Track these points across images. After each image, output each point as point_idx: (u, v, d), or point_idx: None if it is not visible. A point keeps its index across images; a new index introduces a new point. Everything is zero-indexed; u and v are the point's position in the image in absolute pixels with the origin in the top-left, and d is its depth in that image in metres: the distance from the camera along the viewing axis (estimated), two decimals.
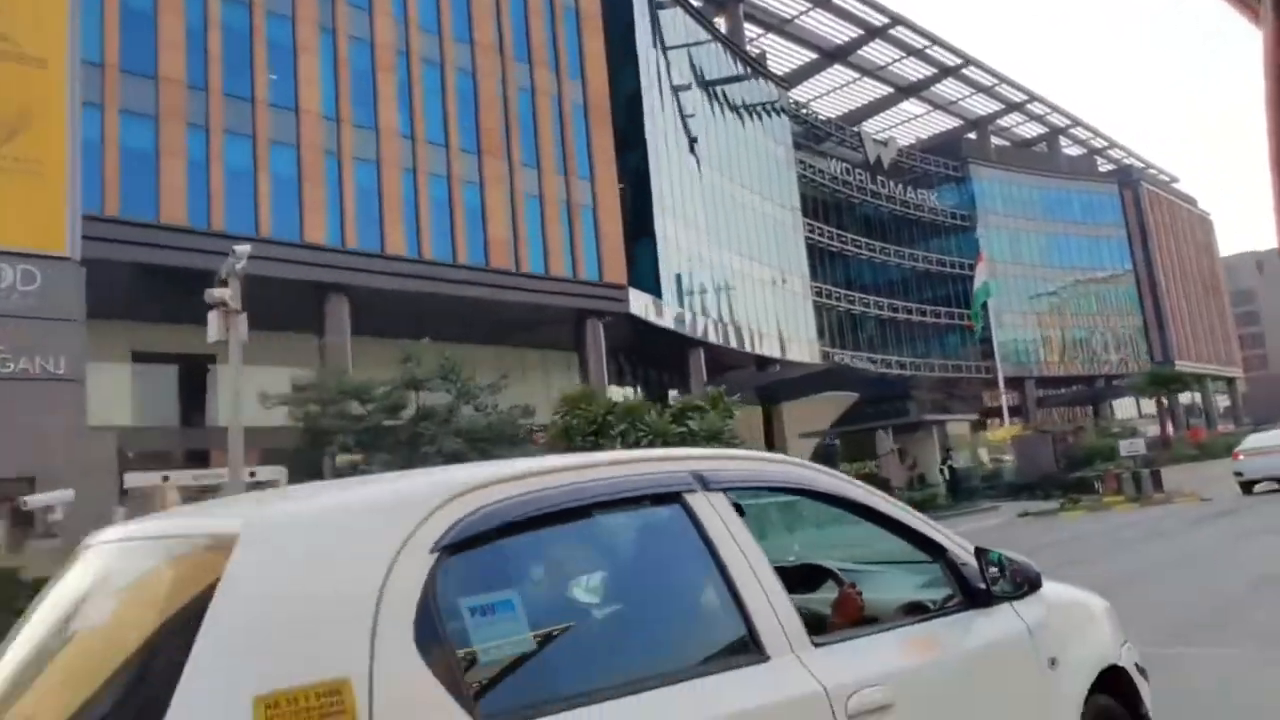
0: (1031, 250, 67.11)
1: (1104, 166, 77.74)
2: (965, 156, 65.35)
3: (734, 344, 40.08)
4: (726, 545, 2.19)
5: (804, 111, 55.92)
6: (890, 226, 62.38)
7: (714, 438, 13.29)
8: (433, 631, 1.65)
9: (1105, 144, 76.94)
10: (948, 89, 63.12)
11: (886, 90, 61.66)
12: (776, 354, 43.13)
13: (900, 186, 60.82)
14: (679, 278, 36.12)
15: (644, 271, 34.87)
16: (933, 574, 2.88)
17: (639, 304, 32.56)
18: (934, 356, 62.88)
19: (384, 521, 1.76)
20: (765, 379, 38.84)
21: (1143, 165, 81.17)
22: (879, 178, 60.02)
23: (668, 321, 34.36)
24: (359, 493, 2.11)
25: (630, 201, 35.55)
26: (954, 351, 63.47)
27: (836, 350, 53.11)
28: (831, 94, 60.87)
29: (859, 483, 2.88)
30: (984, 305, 52.55)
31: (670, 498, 2.21)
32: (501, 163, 28.86)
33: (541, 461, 2.16)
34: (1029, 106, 68.20)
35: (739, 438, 16.49)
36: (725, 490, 2.32)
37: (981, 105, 66.82)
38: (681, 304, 35.85)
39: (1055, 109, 68.96)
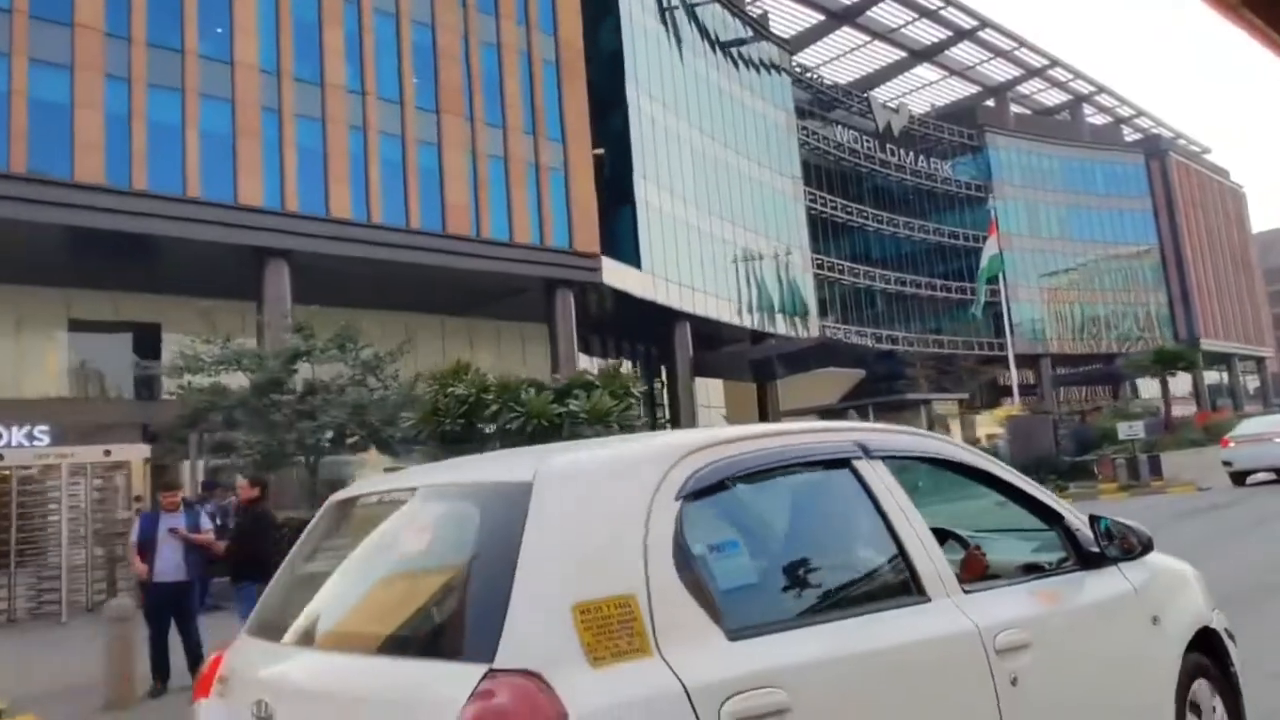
0: (1050, 223, 64.45)
1: (1130, 136, 74.55)
2: (981, 124, 62.66)
3: (724, 318, 38.19)
4: (889, 503, 2.60)
5: (808, 75, 53.51)
6: (901, 197, 59.97)
7: (599, 420, 11.52)
8: (685, 561, 2.08)
9: (1132, 112, 73.72)
10: (964, 53, 60.42)
11: (899, 55, 59.07)
12: (771, 329, 41.15)
13: (912, 156, 58.34)
14: (661, 247, 34.23)
15: (623, 240, 33.06)
16: (1043, 540, 3.27)
17: (614, 274, 30.76)
18: (946, 333, 60.62)
19: (641, 471, 2.21)
20: (756, 354, 36.97)
21: (1172, 135, 77.86)
22: (889, 146, 57.61)
23: (646, 292, 32.54)
24: (618, 449, 2.64)
25: (610, 166, 33.73)
26: (966, 328, 61.07)
27: (839, 325, 51.05)
28: (841, 59, 58.35)
29: (990, 456, 3.36)
30: (995, 279, 50.26)
31: (841, 463, 2.62)
32: (462, 122, 27.06)
33: (747, 428, 2.64)
34: (1050, 72, 65.26)
35: (639, 420, 14.69)
36: (884, 458, 2.72)
37: (1000, 71, 64.01)
38: (664, 275, 33.98)
39: (1078, 75, 65.96)
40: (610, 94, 33.77)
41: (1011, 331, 61.48)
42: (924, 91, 65.34)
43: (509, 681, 1.78)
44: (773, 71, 45.93)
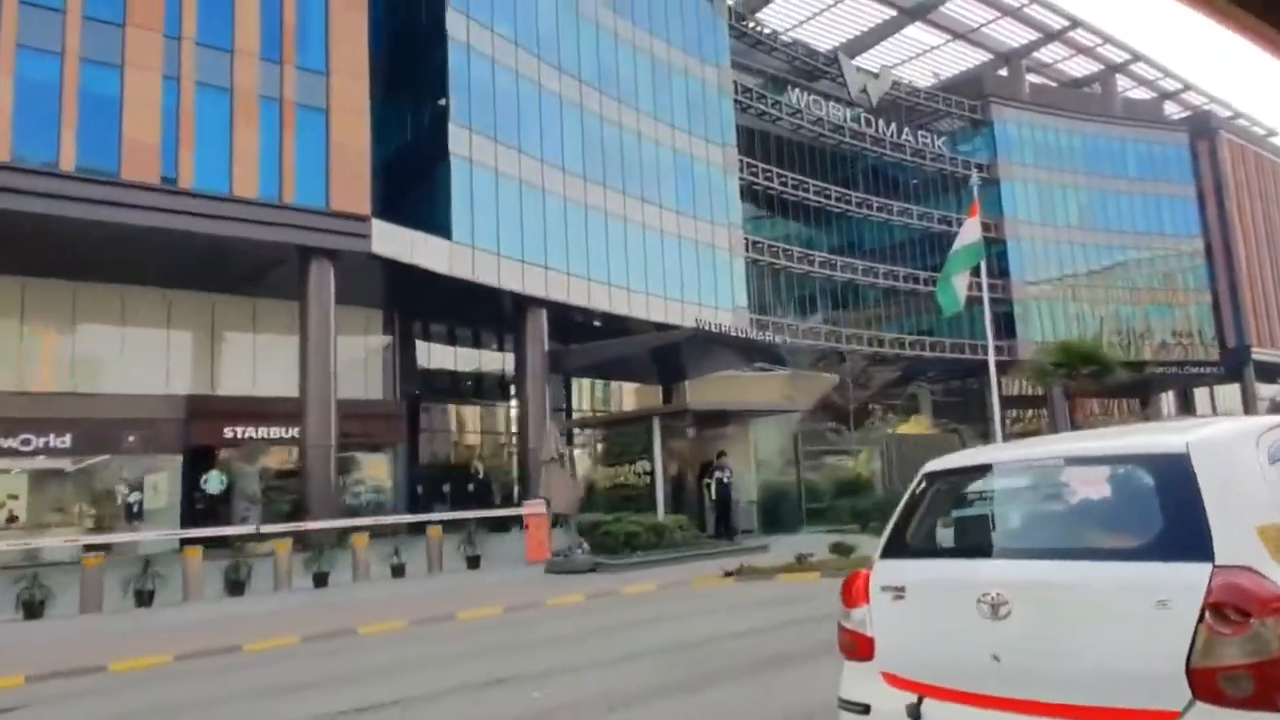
0: (1068, 209, 55.78)
1: (1178, 114, 65.00)
2: (987, 95, 54.37)
3: (602, 305, 31.50)
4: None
5: (757, 29, 46.14)
6: (881, 176, 52.26)
7: None
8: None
9: (1177, 86, 64.23)
10: (966, 12, 52.32)
11: (887, 12, 51.29)
12: (679, 320, 34.21)
13: (894, 128, 50.49)
14: (494, 217, 27.74)
15: (433, 205, 26.76)
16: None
17: (400, 244, 24.42)
18: (938, 333, 52.61)
19: (1252, 441, 3.23)
20: (614, 349, 30.18)
21: (1229, 114, 68.00)
22: (866, 117, 49.94)
23: (456, 269, 26.08)
24: (1225, 427, 3.62)
25: (426, 113, 27.47)
26: (960, 327, 52.97)
27: (785, 319, 43.76)
28: (818, 18, 50.78)
29: None
30: (976, 270, 42.40)
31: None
32: (156, 38, 20.97)
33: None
34: (1074, 38, 56.55)
35: None
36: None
37: (1013, 35, 55.63)
38: (493, 250, 27.47)
39: (1108, 39, 57.05)
40: (432, 22, 27.52)
41: (1013, 334, 53.34)
42: (925, 59, 57.27)
43: (1233, 571, 2.79)
44: (697, 17, 38.90)
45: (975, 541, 3.69)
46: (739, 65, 46.48)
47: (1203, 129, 62.60)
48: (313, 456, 22.41)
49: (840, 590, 3.91)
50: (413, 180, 27.87)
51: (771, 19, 48.99)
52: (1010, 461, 3.89)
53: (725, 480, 17.89)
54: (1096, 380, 20.68)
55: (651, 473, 18.07)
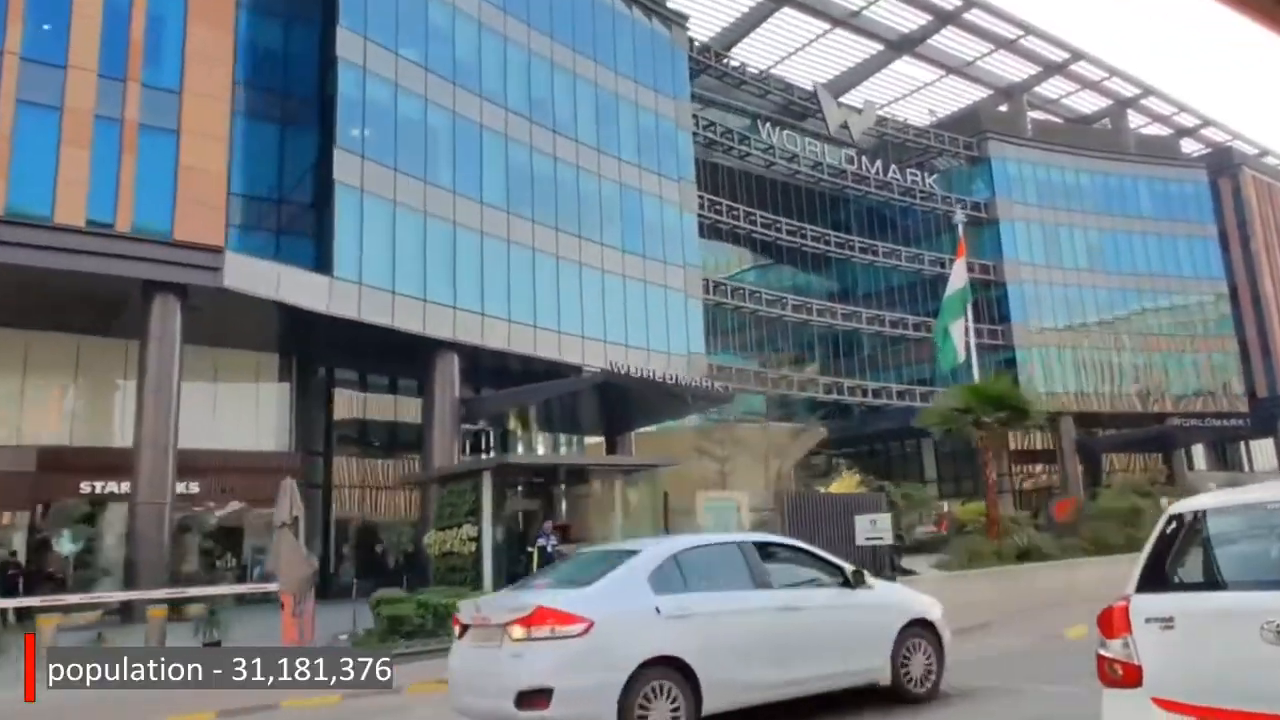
0: (1075, 251, 52.26)
1: (1197, 151, 61.38)
2: (984, 130, 51.48)
3: (525, 349, 28.86)
4: None
5: (727, 63, 43.89)
6: (870, 217, 49.46)
7: None
8: None
9: (1196, 122, 60.77)
10: (958, 46, 49.75)
11: (872, 47, 48.87)
12: (623, 365, 31.38)
13: (879, 166, 47.74)
14: (389, 251, 25.40)
15: (319, 236, 24.56)
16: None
17: (257, 276, 22.07)
18: (937, 382, 49.08)
19: None
20: (522, 396, 27.45)
21: (1255, 151, 64.25)
22: (851, 155, 47.29)
23: (338, 308, 23.67)
24: None
25: (313, 138, 25.44)
26: (965, 376, 49.40)
27: (756, 367, 40.78)
28: (804, 55, 48.48)
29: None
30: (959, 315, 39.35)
31: None
32: None
33: None
34: (1077, 71, 53.59)
35: None
36: None
37: (1012, 69, 52.87)
38: (386, 287, 25.06)
39: (1115, 72, 54.01)
40: (322, 43, 25.64)
41: (1014, 383, 49.57)
42: (921, 97, 54.62)
43: None
44: (652, 46, 36.76)
45: (1244, 575, 4.18)
46: (711, 101, 44.33)
47: (1224, 166, 58.95)
48: (143, 516, 19.86)
49: (1097, 622, 4.40)
50: (296, 212, 25.73)
51: (755, 56, 46.86)
52: (1255, 504, 4.45)
53: (549, 549, 14.98)
54: (1010, 426, 17.36)
55: (478, 539, 15.21)
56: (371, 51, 25.82)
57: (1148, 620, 4.05)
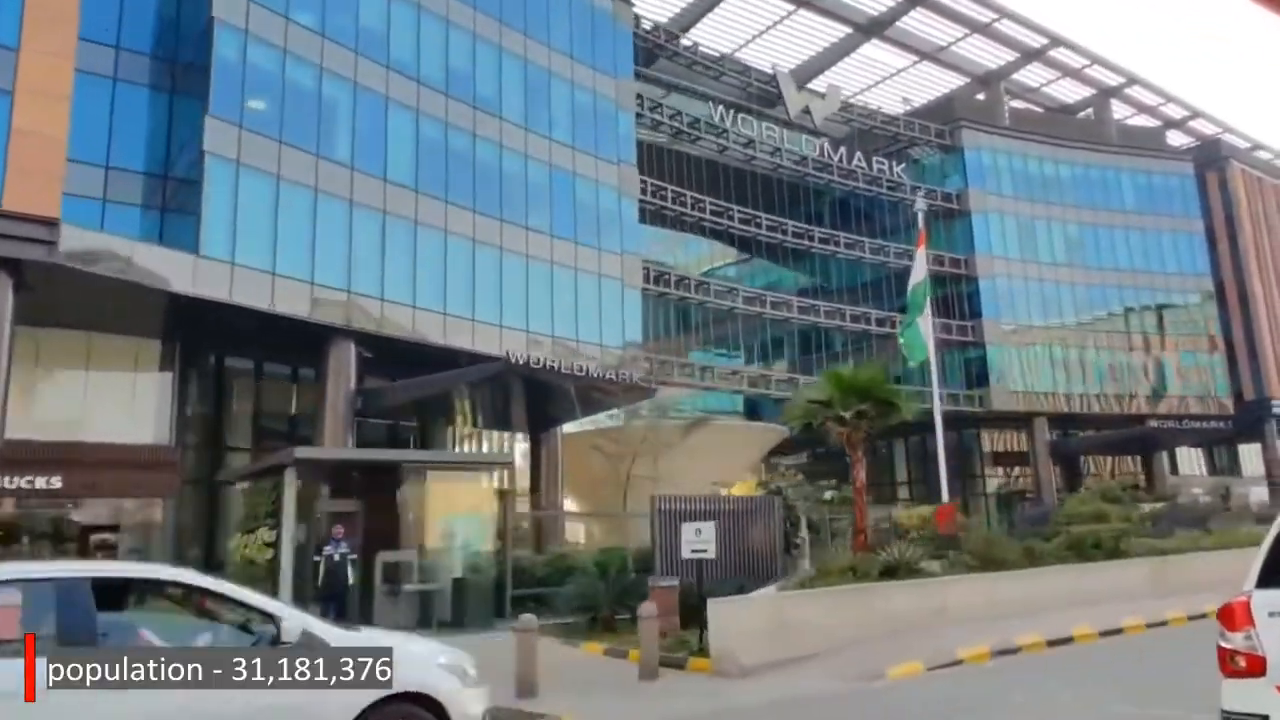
0: (1053, 245, 50.10)
1: (1187, 144, 59.10)
2: (958, 118, 49.37)
3: (434, 338, 26.93)
4: None
5: (678, 44, 41.83)
6: (832, 208, 47.43)
7: None
8: None
9: (1184, 113, 58.52)
10: (931, 29, 47.65)
11: (839, 30, 46.79)
12: (549, 357, 29.36)
13: (841, 153, 45.65)
14: (267, 228, 23.49)
15: (187, 210, 22.66)
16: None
17: (103, 252, 20.20)
18: (908, 381, 46.98)
19: None
20: (414, 389, 25.51)
21: (1247, 145, 61.97)
22: (821, 143, 45.25)
23: (203, 288, 21.77)
24: None
25: (185, 106, 23.56)
26: (916, 375, 47.32)
27: (704, 361, 38.78)
28: (768, 38, 46.39)
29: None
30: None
31: None
32: None
33: None
34: (1058, 59, 51.44)
35: None
36: None
37: (989, 56, 50.74)
38: (265, 267, 23.16)
39: (1097, 60, 51.81)
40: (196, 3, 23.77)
41: (985, 382, 47.46)
42: (896, 84, 52.51)
43: None
44: (591, 22, 34.77)
45: None
46: (673, 86, 42.34)
47: (1211, 159, 56.71)
48: None
49: (1218, 617, 4.76)
50: (173, 188, 23.86)
51: (717, 39, 44.84)
52: None
53: (337, 558, 13.07)
54: (876, 423, 15.26)
55: (275, 545, 13.30)
56: (256, 14, 23.91)
57: (1271, 614, 4.47)
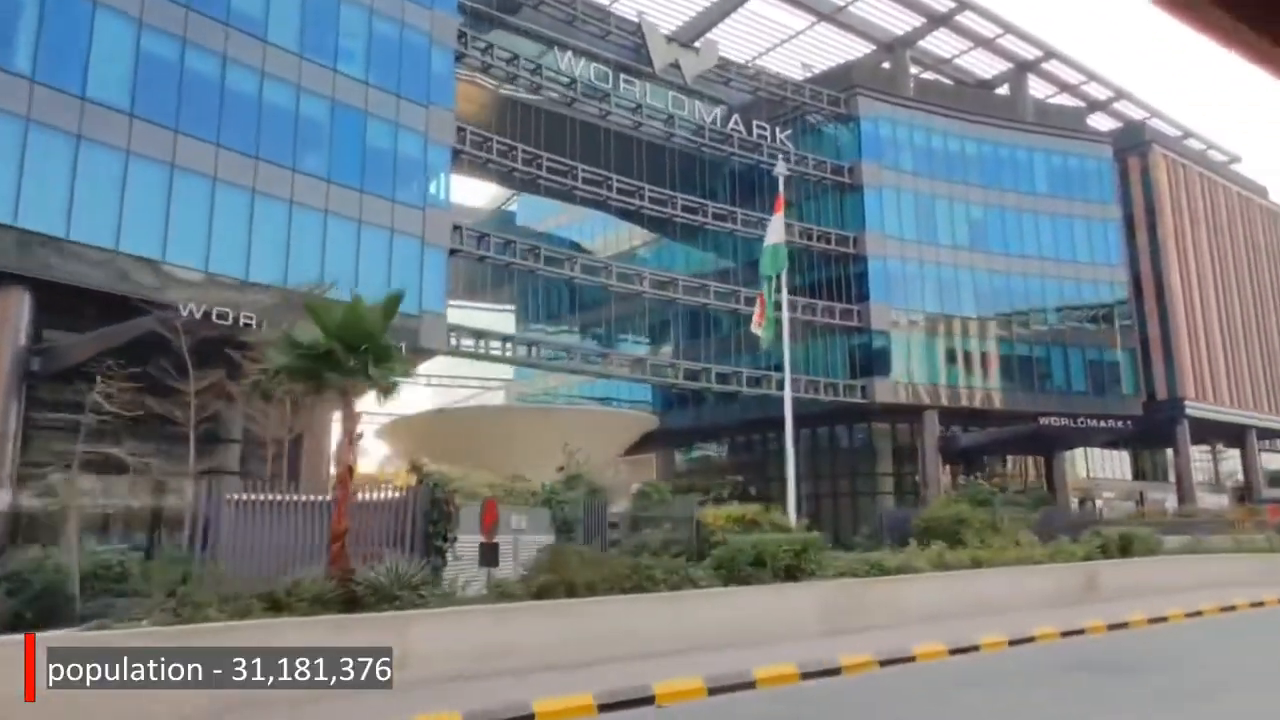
0: (954, 227, 46.41)
1: (1112, 127, 55.60)
2: (853, 85, 45.51)
3: (148, 290, 22.70)
4: None
5: None
6: (725, 180, 43.55)
7: None
8: None
9: (1109, 94, 54.99)
10: None
11: None
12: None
13: (715, 114, 41.71)
14: None
15: None
16: None
17: None
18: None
19: None
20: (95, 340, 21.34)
21: (1179, 134, 58.64)
22: (675, 96, 41.26)
23: None
24: None
25: None
26: (816, 363, 43.57)
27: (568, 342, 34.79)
28: None
29: None
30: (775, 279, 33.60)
31: None
32: None
33: None
34: (973, 28, 47.72)
35: None
36: None
37: (895, 21, 46.94)
38: None
39: (1011, 30, 48.08)
40: None
41: (869, 372, 43.80)
42: (795, 48, 48.60)
43: None
44: None
45: None
46: (539, 37, 38.24)
47: (1134, 143, 53.33)
48: None
49: None
50: None
51: None
52: None
53: None
54: (374, 381, 11.12)
55: None
56: None
57: None
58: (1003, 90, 52.77)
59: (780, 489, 46.59)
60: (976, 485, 37.04)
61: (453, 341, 31.04)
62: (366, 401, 12.80)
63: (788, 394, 26.60)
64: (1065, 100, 54.25)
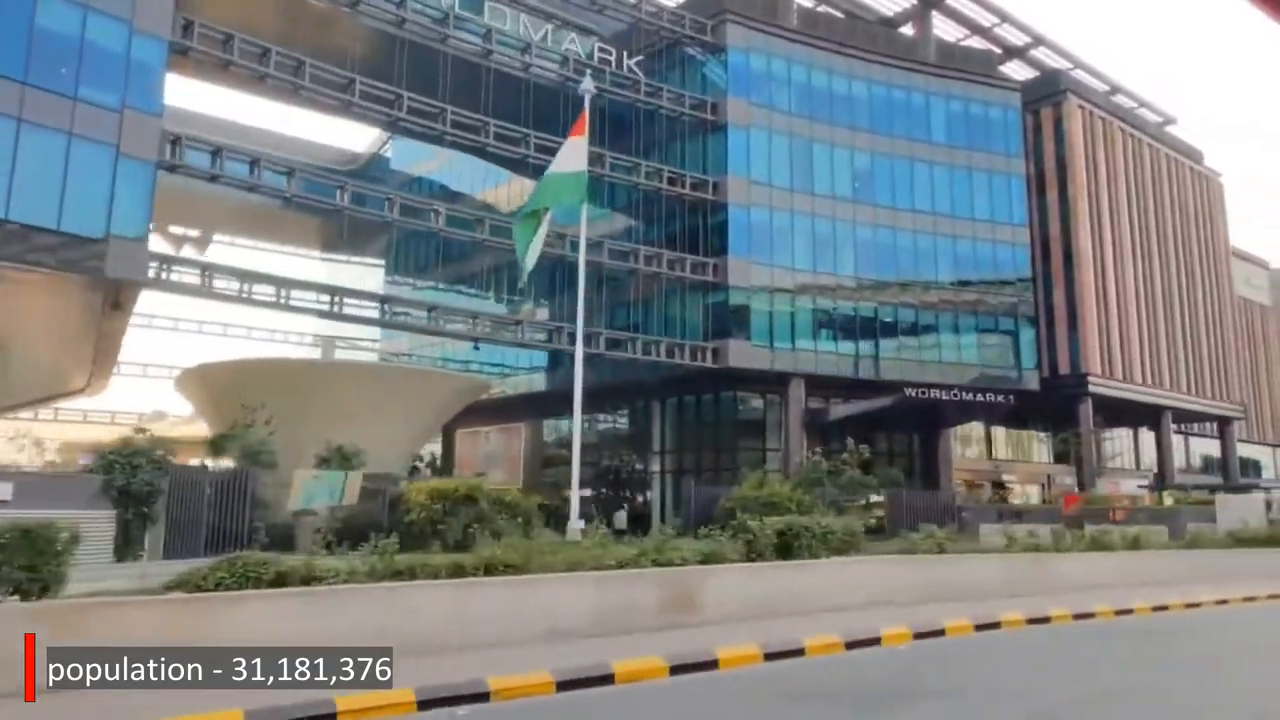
0: (835, 175, 41.43)
1: (1029, 76, 50.69)
2: (722, 12, 40.28)
3: None
4: None
5: None
6: (510, 100, 38.23)
7: None
8: None
9: (1026, 40, 50.04)
10: None
11: None
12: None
13: (546, 34, 36.52)
14: None
15: None
16: None
17: None
18: (654, 331, 38.38)
19: None
20: None
21: (1107, 89, 53.82)
22: (504, 8, 36.05)
23: None
24: None
25: None
26: (678, 325, 38.74)
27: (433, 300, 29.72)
28: None
29: None
30: (575, 213, 28.86)
31: None
32: None
33: None
34: None
35: None
36: None
37: None
38: None
39: None
40: None
41: (726, 334, 38.92)
42: None
43: None
44: None
45: None
46: None
47: (1048, 93, 48.49)
48: None
49: None
50: None
51: None
52: None
53: None
54: None
55: None
56: None
57: None
58: (907, 30, 47.76)
59: (658, 462, 42.14)
60: (815, 463, 32.57)
61: (162, 275, 25.91)
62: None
63: (579, 352, 21.65)
64: (977, 44, 49.31)
